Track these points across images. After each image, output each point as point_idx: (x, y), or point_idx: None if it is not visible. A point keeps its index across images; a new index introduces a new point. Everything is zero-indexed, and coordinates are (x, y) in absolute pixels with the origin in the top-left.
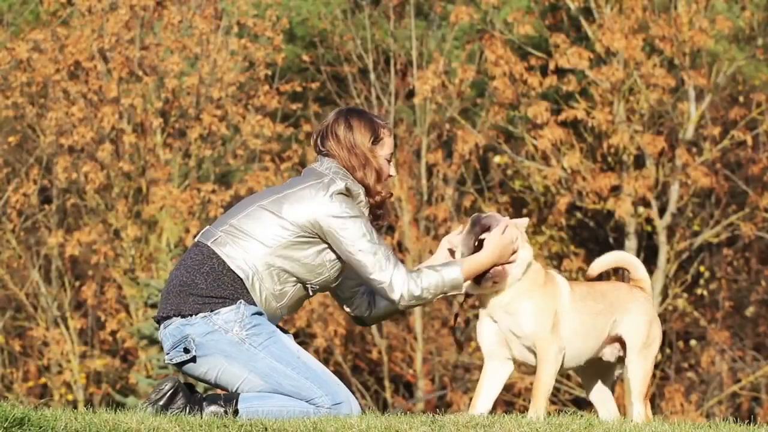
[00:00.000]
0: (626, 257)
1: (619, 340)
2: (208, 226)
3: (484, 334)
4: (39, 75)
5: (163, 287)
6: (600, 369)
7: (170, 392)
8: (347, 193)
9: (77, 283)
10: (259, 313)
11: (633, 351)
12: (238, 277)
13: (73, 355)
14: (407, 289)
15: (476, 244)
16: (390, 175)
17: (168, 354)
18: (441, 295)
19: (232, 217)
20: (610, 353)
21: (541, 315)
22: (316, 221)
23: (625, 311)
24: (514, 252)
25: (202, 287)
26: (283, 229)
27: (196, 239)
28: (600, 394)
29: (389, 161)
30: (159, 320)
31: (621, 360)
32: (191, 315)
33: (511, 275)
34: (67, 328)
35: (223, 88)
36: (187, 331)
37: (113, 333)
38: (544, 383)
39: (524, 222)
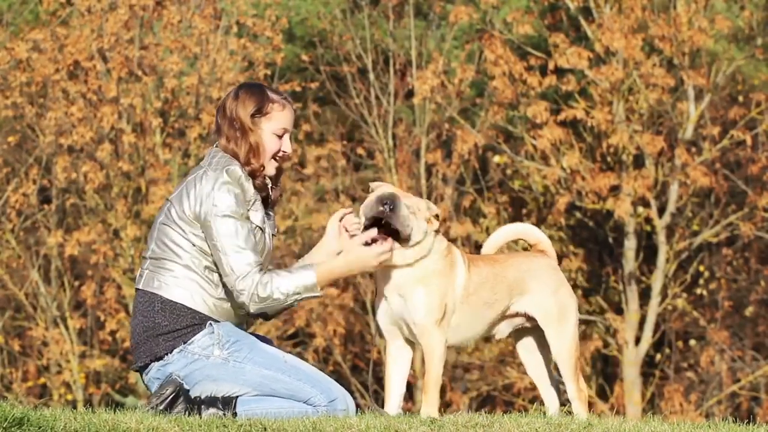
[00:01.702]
0: (518, 228)
1: (525, 316)
2: (141, 265)
3: (379, 313)
4: (38, 75)
5: (130, 338)
6: (531, 347)
7: (171, 396)
8: (227, 178)
9: (77, 283)
10: (234, 328)
11: (549, 330)
12: (184, 304)
13: (72, 355)
14: (254, 292)
15: (378, 221)
16: (283, 151)
17: None
18: (297, 298)
19: (147, 249)
20: (502, 331)
21: (432, 305)
22: (195, 213)
23: (527, 290)
24: (381, 263)
25: (165, 324)
26: (184, 237)
27: (135, 285)
28: (537, 373)
29: (281, 136)
30: (138, 370)
31: (543, 334)
32: (167, 354)
33: (402, 256)
34: (67, 328)
35: (222, 88)
36: (169, 369)
37: (113, 333)
38: (433, 376)
39: (425, 208)
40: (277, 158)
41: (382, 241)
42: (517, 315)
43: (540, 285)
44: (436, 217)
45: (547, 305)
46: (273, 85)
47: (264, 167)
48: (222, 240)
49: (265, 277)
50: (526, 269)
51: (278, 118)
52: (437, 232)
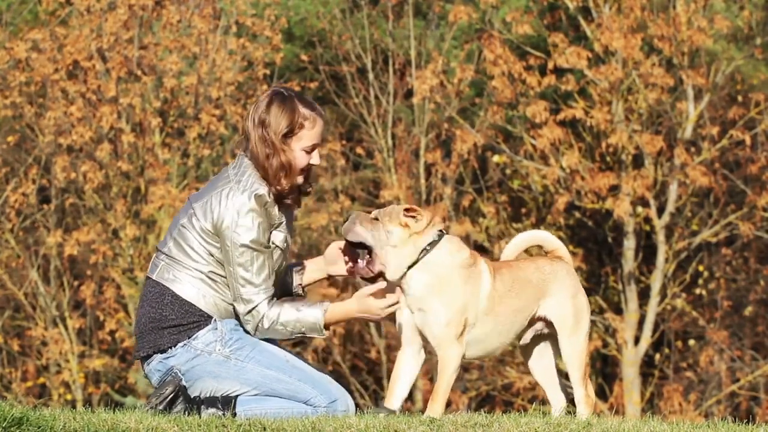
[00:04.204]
0: (535, 235)
1: (544, 320)
2: (155, 254)
3: (401, 321)
4: (38, 75)
5: (134, 326)
6: (539, 349)
7: (171, 396)
8: (254, 205)
9: (76, 283)
10: (238, 326)
11: (563, 334)
12: (195, 303)
13: (71, 354)
14: (259, 325)
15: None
16: (311, 164)
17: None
18: (300, 334)
19: (164, 245)
20: (525, 338)
21: (451, 319)
22: (216, 229)
23: (549, 293)
24: (389, 314)
25: (172, 318)
26: (203, 247)
27: (147, 273)
28: (545, 376)
29: (309, 152)
30: (140, 358)
31: (554, 338)
32: (170, 347)
33: (388, 271)
34: (66, 327)
35: (221, 88)
36: (170, 363)
37: (112, 333)
38: (444, 387)
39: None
40: (305, 170)
41: (390, 294)
42: (537, 319)
43: (560, 288)
44: (411, 216)
45: (565, 309)
46: (272, 85)
47: (292, 185)
48: (236, 269)
49: (272, 311)
50: (548, 271)
51: (308, 137)
52: (442, 232)
